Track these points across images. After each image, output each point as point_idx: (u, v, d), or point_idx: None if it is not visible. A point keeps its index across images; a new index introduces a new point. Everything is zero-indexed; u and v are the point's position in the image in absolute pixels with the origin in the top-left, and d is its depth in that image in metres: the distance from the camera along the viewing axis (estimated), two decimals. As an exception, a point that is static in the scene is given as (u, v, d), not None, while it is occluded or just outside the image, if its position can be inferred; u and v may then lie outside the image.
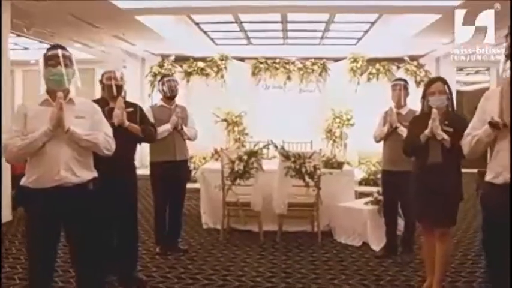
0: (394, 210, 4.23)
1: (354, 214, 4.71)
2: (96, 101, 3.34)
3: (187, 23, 7.67)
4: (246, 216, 4.80)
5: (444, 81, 3.26)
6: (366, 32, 8.23)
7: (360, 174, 6.54)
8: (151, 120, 4.12)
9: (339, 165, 5.09)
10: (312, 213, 4.79)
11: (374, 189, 5.75)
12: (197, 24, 7.74)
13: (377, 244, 4.50)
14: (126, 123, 3.27)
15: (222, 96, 9.54)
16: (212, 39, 9.13)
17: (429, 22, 6.88)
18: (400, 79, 4.34)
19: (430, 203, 3.14)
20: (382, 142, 4.32)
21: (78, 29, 7.43)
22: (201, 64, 9.80)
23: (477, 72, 11.30)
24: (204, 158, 9.12)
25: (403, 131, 3.96)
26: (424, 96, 3.28)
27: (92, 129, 2.52)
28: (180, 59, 10.01)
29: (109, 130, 2.63)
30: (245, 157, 4.51)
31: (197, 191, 5.66)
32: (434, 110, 3.13)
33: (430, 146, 3.16)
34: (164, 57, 10.06)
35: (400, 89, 4.18)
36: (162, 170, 4.19)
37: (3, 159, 2.51)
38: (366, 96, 9.21)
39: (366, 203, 4.76)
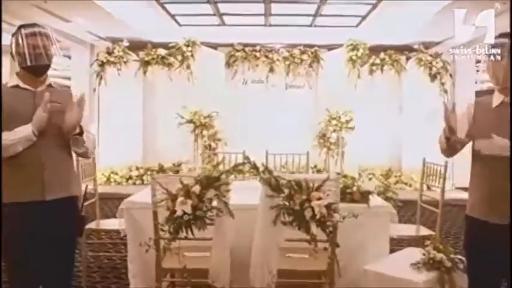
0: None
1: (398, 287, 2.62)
2: None
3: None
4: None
5: None
6: (374, 7, 6.27)
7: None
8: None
9: (364, 196, 2.98)
10: (323, 287, 2.68)
11: (410, 228, 3.75)
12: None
13: None
14: None
15: (189, 92, 7.98)
16: (174, 18, 7.11)
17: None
18: (503, 34, 2.11)
19: None
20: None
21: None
22: (161, 51, 8.10)
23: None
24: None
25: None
26: None
27: None
28: (136, 45, 8.15)
29: None
30: (196, 189, 2.34)
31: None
32: None
33: None
34: (115, 41, 8.02)
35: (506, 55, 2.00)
36: (20, 220, 2.01)
37: None
38: (367, 92, 7.97)
39: (416, 266, 2.68)
